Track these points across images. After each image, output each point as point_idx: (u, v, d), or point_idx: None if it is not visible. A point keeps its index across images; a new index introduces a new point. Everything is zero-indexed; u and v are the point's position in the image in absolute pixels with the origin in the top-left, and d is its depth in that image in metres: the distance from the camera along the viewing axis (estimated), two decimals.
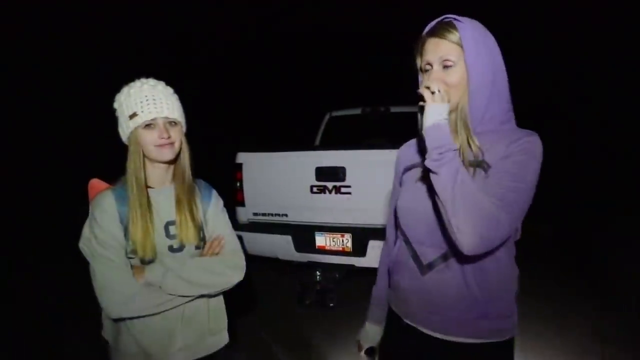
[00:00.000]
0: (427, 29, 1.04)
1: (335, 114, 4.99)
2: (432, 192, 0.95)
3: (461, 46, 0.96)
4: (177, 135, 1.20)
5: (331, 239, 3.02)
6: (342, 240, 2.99)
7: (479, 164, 0.97)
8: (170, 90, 1.22)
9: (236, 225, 3.30)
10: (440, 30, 0.99)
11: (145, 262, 1.15)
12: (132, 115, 1.13)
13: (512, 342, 1.07)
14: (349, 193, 2.97)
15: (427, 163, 0.91)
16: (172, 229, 1.22)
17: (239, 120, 9.92)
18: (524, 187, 0.91)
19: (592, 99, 8.62)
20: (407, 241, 1.11)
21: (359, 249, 2.93)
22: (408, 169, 1.18)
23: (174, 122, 1.20)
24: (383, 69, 11.50)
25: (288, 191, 3.15)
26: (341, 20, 11.33)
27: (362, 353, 1.41)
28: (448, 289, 1.02)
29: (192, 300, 1.22)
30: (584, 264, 3.64)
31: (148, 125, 1.15)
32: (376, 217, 2.96)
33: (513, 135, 0.97)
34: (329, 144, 4.67)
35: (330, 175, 2.99)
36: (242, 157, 3.25)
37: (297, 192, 3.11)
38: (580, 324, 2.91)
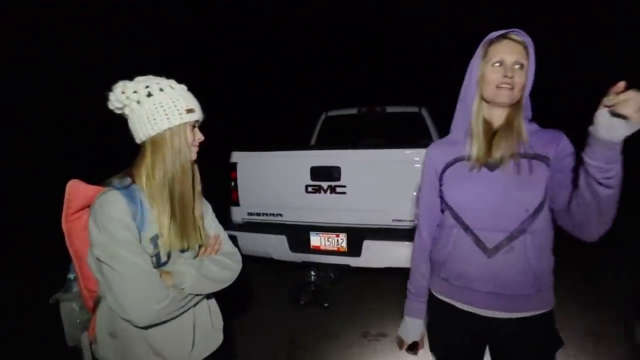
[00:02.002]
0: (497, 33, 1.18)
1: (331, 113, 5.00)
2: (492, 181, 1.16)
3: (527, 52, 1.16)
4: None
5: (326, 238, 3.02)
6: (337, 240, 2.99)
7: (535, 156, 1.15)
8: None
9: (231, 225, 3.30)
10: (514, 37, 1.16)
11: (159, 265, 1.13)
12: (190, 110, 1.12)
13: (554, 310, 1.22)
14: (344, 193, 2.96)
15: (601, 174, 0.95)
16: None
17: (233, 119, 9.89)
18: None
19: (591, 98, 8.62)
20: (467, 229, 1.20)
21: (354, 249, 2.93)
22: (450, 164, 1.27)
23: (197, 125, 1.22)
24: (380, 69, 11.52)
25: (283, 191, 3.14)
26: (339, 19, 11.34)
27: (405, 349, 1.45)
28: (514, 268, 1.14)
29: (201, 299, 1.23)
30: (580, 258, 3.65)
31: (195, 125, 1.16)
32: (371, 216, 2.96)
33: (553, 134, 1.17)
34: (324, 144, 4.67)
35: (325, 175, 2.98)
36: (237, 157, 3.24)
37: (292, 192, 3.10)
38: (572, 319, 2.94)
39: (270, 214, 3.22)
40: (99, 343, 1.17)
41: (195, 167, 1.24)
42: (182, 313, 1.15)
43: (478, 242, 1.18)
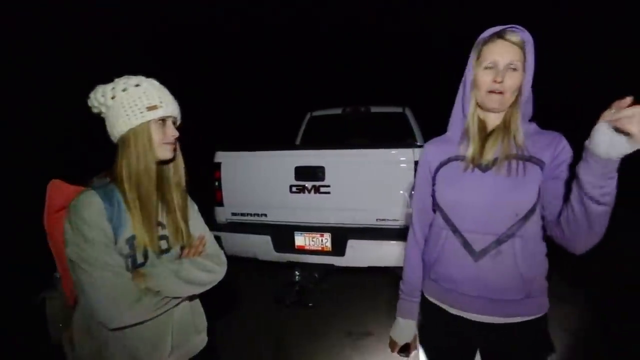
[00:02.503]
0: (492, 31, 1.14)
1: (316, 113, 5.01)
2: (484, 182, 1.13)
3: (524, 52, 1.11)
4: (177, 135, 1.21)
5: (310, 238, 3.02)
6: (322, 240, 2.99)
7: (529, 159, 1.11)
8: None
9: (215, 225, 3.28)
10: (509, 36, 1.11)
11: (136, 266, 1.11)
12: (152, 107, 1.10)
13: (547, 315, 1.18)
14: (328, 193, 2.97)
15: (595, 191, 0.91)
16: (159, 230, 1.20)
17: (217, 119, 9.80)
18: None
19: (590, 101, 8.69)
20: (455, 231, 1.17)
21: (338, 249, 2.94)
22: (444, 163, 1.24)
23: (176, 122, 1.21)
24: (365, 69, 11.58)
25: (267, 191, 3.13)
26: (324, 20, 11.35)
27: (396, 352, 1.42)
28: (501, 273, 1.11)
29: (182, 301, 1.21)
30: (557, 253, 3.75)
31: (163, 121, 1.14)
32: (355, 216, 2.97)
33: (551, 137, 1.13)
34: (309, 144, 4.68)
35: (310, 175, 2.99)
36: (221, 157, 3.22)
37: (276, 192, 3.09)
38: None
39: (255, 214, 3.21)
40: (76, 343, 1.17)
41: (177, 164, 1.23)
42: (159, 315, 1.14)
43: (466, 244, 1.15)
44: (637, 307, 3.23)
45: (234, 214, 3.27)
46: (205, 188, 3.17)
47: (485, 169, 1.15)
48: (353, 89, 9.94)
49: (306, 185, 3.01)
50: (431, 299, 1.28)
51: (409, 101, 4.86)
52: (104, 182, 1.12)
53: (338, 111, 4.85)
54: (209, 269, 1.25)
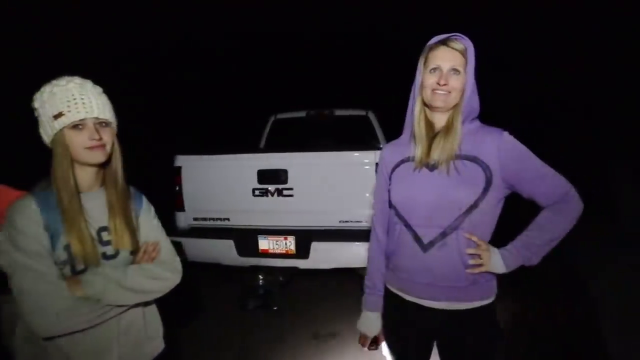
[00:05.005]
0: (437, 39, 1.24)
1: (279, 116, 4.99)
2: (430, 181, 1.23)
3: (465, 58, 1.21)
4: (109, 136, 1.15)
5: (274, 242, 3.00)
6: (286, 243, 2.98)
7: (469, 158, 1.20)
8: (99, 89, 1.16)
9: (176, 231, 3.20)
10: (452, 43, 1.21)
11: (76, 272, 1.07)
12: (58, 115, 1.06)
13: (495, 302, 1.29)
14: (291, 195, 2.97)
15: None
16: (105, 235, 1.16)
17: (178, 122, 9.56)
18: None
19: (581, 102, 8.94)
20: (407, 225, 1.27)
21: (302, 251, 2.93)
22: (398, 164, 1.34)
23: (105, 122, 1.14)
24: (329, 73, 11.67)
25: (229, 195, 3.09)
26: (287, 22, 11.35)
27: (367, 348, 1.47)
28: (447, 262, 1.22)
29: (129, 308, 1.17)
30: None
31: (76, 126, 1.08)
32: (319, 218, 2.98)
33: (491, 134, 1.21)
34: (273, 147, 4.66)
35: (272, 178, 2.97)
36: (181, 160, 3.14)
37: (239, 196, 3.05)
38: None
39: (217, 219, 3.16)
40: (16, 348, 1.14)
41: (114, 166, 1.19)
42: (102, 323, 1.10)
43: (416, 237, 1.25)
44: (579, 294, 3.44)
45: (195, 219, 3.20)
46: (167, 193, 3.10)
47: (432, 168, 1.24)
48: (317, 92, 9.98)
49: (269, 188, 2.99)
50: (391, 288, 1.38)
51: (372, 105, 4.95)
52: (45, 188, 1.09)
53: (302, 114, 4.86)
54: (159, 277, 1.21)
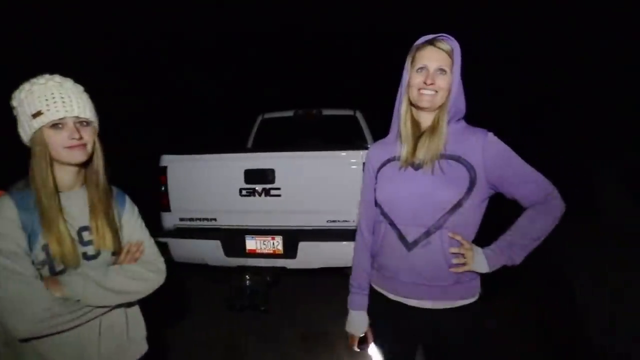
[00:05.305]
0: (424, 39, 1.25)
1: (267, 116, 4.97)
2: (415, 180, 1.24)
3: (452, 58, 1.22)
4: (89, 135, 1.13)
5: (262, 242, 2.98)
6: (273, 243, 2.97)
7: (454, 158, 1.22)
8: (80, 87, 1.14)
9: (162, 231, 3.16)
10: (438, 43, 1.23)
11: (55, 273, 1.05)
12: (36, 114, 1.04)
13: (478, 301, 1.30)
14: (279, 195, 2.95)
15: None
16: (86, 235, 1.15)
17: (163, 121, 9.46)
18: None
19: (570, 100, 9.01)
20: (392, 224, 1.28)
21: (290, 251, 2.93)
22: (384, 163, 1.35)
23: (86, 121, 1.12)
24: (317, 72, 11.67)
25: (216, 195, 3.06)
26: (276, 22, 11.32)
27: (357, 348, 1.46)
28: (431, 261, 1.23)
29: (111, 309, 1.16)
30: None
31: (55, 125, 1.06)
32: (306, 218, 2.98)
33: (476, 135, 1.23)
34: (261, 146, 4.64)
35: (260, 178, 2.96)
36: (167, 160, 3.10)
37: (226, 196, 3.03)
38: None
39: (204, 219, 3.13)
40: None
41: (95, 165, 1.18)
42: (82, 325, 1.08)
43: (400, 236, 1.26)
44: (565, 293, 3.50)
45: (182, 219, 3.16)
46: (149, 193, 3.06)
47: (417, 167, 1.25)
48: (305, 92, 9.98)
49: (256, 188, 2.97)
50: (376, 288, 1.39)
51: (360, 104, 4.96)
52: (23, 187, 1.07)
53: (290, 113, 4.85)
54: (141, 277, 1.20)
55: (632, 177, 5.90)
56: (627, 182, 6.04)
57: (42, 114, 1.04)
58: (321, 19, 11.16)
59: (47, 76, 1.09)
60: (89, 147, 1.12)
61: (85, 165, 1.16)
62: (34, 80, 1.08)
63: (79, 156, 1.10)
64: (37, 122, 1.05)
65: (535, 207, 1.23)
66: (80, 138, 1.09)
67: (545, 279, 3.88)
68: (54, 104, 1.05)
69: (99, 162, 1.18)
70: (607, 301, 3.25)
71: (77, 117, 1.09)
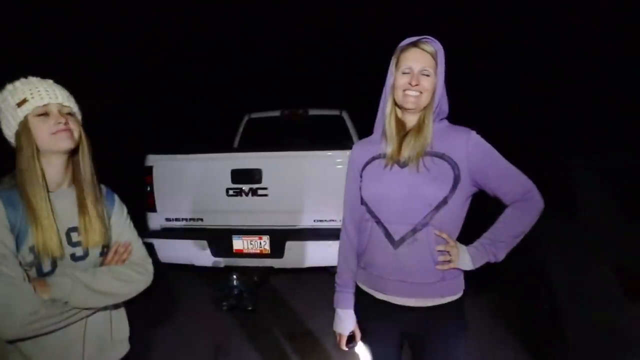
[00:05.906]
0: (408, 41, 1.26)
1: (254, 116, 4.97)
2: (401, 177, 1.25)
3: (435, 60, 1.24)
4: (75, 125, 1.13)
5: (249, 241, 2.99)
6: (260, 243, 2.97)
7: (438, 155, 1.24)
8: (61, 86, 1.15)
9: (148, 231, 3.14)
10: (422, 45, 1.24)
11: (43, 274, 1.04)
12: (21, 102, 1.04)
13: (462, 299, 1.32)
14: (266, 195, 2.96)
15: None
16: (75, 236, 1.13)
17: (150, 121, 9.35)
18: None
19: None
20: (378, 222, 1.29)
21: (277, 251, 2.94)
22: (369, 162, 1.35)
23: (70, 112, 1.13)
24: (303, 72, 11.67)
25: (203, 195, 3.05)
26: (262, 22, 11.28)
27: (345, 346, 1.45)
28: (417, 258, 1.23)
29: (96, 310, 1.15)
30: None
31: (41, 115, 1.06)
32: (293, 218, 3.00)
33: (459, 133, 1.26)
34: (247, 146, 4.63)
35: (246, 178, 2.96)
36: (152, 160, 3.08)
37: (213, 196, 3.03)
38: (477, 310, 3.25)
39: (190, 219, 3.12)
40: None
41: (82, 158, 1.17)
42: (68, 326, 1.08)
43: (387, 234, 1.26)
44: (546, 290, 3.58)
45: (168, 220, 3.14)
46: (135, 193, 3.03)
47: (403, 165, 1.27)
48: (291, 92, 9.97)
49: (243, 188, 2.97)
50: (362, 286, 1.39)
51: (346, 104, 5.00)
52: (11, 185, 1.05)
53: (276, 113, 4.85)
54: (128, 279, 1.19)
55: (614, 177, 6.04)
56: (609, 181, 6.19)
57: (27, 101, 1.05)
58: (308, 20, 11.16)
59: (24, 79, 1.10)
60: (76, 135, 1.12)
61: (73, 158, 1.15)
62: (15, 81, 1.09)
63: (66, 141, 1.09)
64: (22, 111, 1.05)
65: (516, 205, 1.26)
66: (67, 123, 1.09)
67: (526, 274, 3.96)
68: (38, 92, 1.06)
69: (85, 157, 1.17)
70: (587, 296, 3.34)
71: (61, 105, 1.10)
